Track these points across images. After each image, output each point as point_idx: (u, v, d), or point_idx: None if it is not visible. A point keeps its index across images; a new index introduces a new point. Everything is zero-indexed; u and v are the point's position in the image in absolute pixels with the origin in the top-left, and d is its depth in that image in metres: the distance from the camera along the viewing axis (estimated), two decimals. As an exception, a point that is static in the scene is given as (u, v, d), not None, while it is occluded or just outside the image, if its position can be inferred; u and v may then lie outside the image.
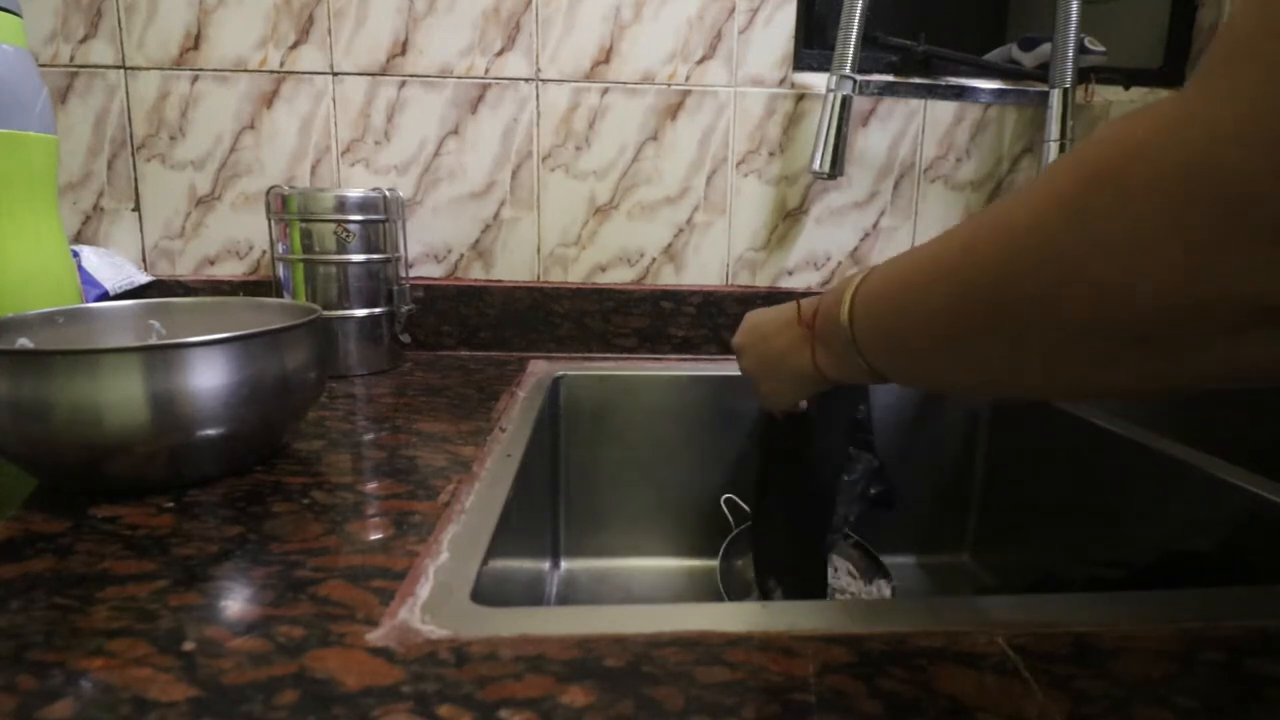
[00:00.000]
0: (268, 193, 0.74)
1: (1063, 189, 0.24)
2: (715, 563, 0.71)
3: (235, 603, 0.33)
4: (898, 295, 0.34)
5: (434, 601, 0.34)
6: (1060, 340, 0.25)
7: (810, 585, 0.56)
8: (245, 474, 0.48)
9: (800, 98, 0.86)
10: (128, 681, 0.27)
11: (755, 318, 0.52)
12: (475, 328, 0.87)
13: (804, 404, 0.54)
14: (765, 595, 0.57)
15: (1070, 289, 0.23)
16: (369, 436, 0.57)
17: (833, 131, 0.74)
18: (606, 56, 0.84)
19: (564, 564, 0.80)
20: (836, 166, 0.75)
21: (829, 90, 0.74)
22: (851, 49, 0.73)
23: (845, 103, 0.74)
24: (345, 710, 0.26)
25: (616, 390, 0.79)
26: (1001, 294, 0.26)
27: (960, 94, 0.87)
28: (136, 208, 0.85)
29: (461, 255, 0.88)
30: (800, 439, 0.56)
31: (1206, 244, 0.20)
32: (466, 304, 0.87)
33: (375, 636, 0.31)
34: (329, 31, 0.82)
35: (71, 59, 0.81)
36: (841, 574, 0.66)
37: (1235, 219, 0.19)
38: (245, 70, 0.82)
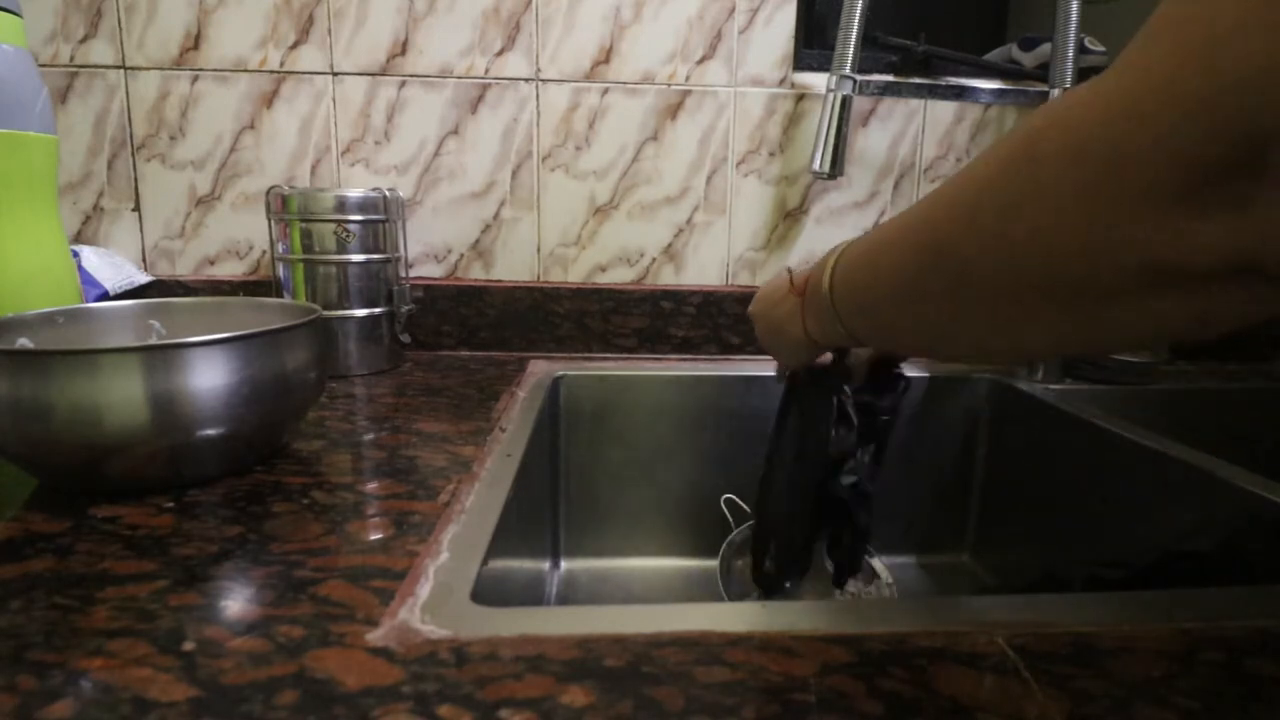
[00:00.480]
0: (268, 193, 0.74)
1: (997, 157, 0.26)
2: (715, 563, 0.71)
3: (235, 603, 0.33)
4: (869, 262, 0.36)
5: (434, 601, 0.34)
6: (990, 297, 0.27)
7: (792, 556, 0.57)
8: (245, 474, 0.48)
9: (800, 98, 0.86)
10: (128, 681, 0.27)
11: (765, 288, 0.55)
12: (475, 328, 0.87)
13: (828, 355, 0.55)
14: (759, 562, 0.58)
15: (994, 250, 0.25)
16: (369, 436, 0.57)
17: (833, 131, 0.74)
18: (606, 56, 0.84)
19: (564, 564, 0.80)
20: (836, 166, 0.75)
21: (829, 90, 0.74)
22: (851, 49, 0.73)
23: (845, 103, 0.74)
24: (345, 710, 0.26)
25: (616, 390, 0.79)
26: (943, 256, 0.28)
27: (960, 94, 0.87)
28: (136, 208, 0.85)
29: (461, 255, 0.88)
30: (818, 396, 0.56)
31: (1102, 209, 0.21)
32: (466, 304, 0.87)
33: (375, 636, 0.31)
34: (329, 31, 0.82)
35: (71, 59, 0.81)
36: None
37: (1124, 186, 0.21)
38: (245, 70, 0.82)
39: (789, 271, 0.49)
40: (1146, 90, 0.20)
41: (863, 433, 0.59)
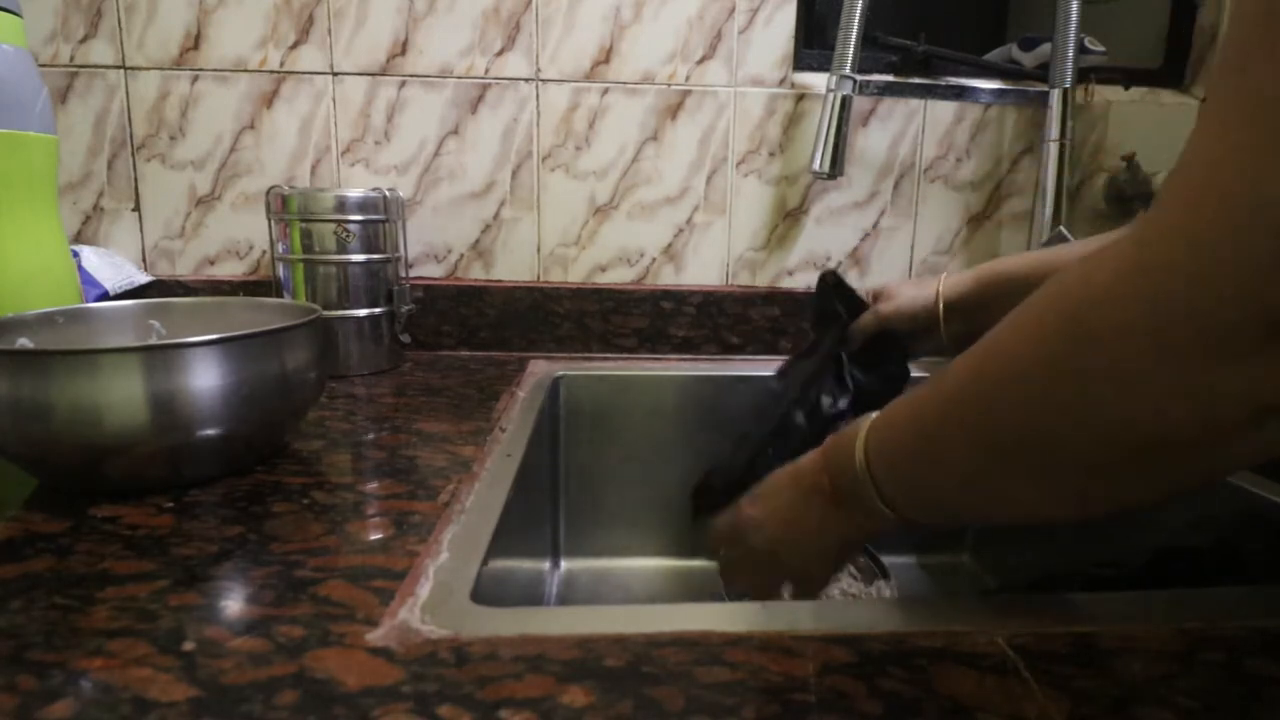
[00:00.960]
0: (268, 193, 0.74)
1: (1039, 335, 0.26)
2: (715, 563, 0.70)
3: (235, 603, 0.33)
4: (915, 451, 0.35)
5: (434, 601, 0.34)
6: (1078, 471, 0.27)
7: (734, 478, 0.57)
8: (245, 474, 0.48)
9: (800, 98, 0.86)
10: (128, 681, 0.27)
11: (768, 495, 0.47)
12: (475, 328, 0.87)
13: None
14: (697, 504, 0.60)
15: (1072, 428, 0.25)
16: (369, 436, 0.57)
17: (833, 131, 0.74)
18: (606, 56, 0.84)
19: (564, 564, 0.80)
20: (836, 166, 0.75)
21: (829, 90, 0.74)
22: (851, 49, 0.73)
23: (845, 103, 0.74)
24: (345, 710, 0.26)
25: (616, 390, 0.79)
26: (1006, 443, 0.28)
27: (960, 94, 0.87)
28: (136, 208, 0.84)
29: (461, 255, 0.88)
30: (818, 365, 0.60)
31: (1192, 370, 0.22)
32: (466, 304, 0.87)
33: (375, 636, 0.31)
34: (329, 31, 0.82)
35: (71, 59, 0.81)
36: (842, 574, 0.66)
37: (1212, 346, 0.21)
38: (245, 70, 0.82)
39: (806, 478, 0.44)
40: (1187, 253, 0.21)
41: (855, 399, 0.59)
